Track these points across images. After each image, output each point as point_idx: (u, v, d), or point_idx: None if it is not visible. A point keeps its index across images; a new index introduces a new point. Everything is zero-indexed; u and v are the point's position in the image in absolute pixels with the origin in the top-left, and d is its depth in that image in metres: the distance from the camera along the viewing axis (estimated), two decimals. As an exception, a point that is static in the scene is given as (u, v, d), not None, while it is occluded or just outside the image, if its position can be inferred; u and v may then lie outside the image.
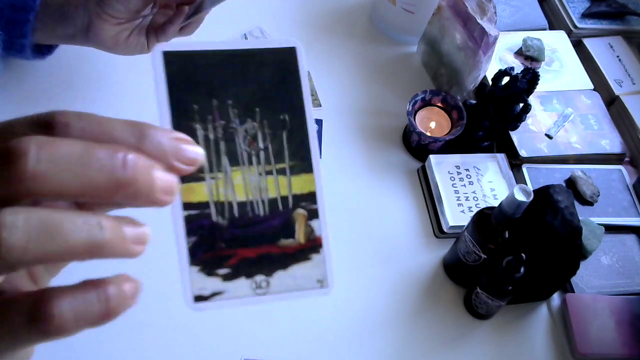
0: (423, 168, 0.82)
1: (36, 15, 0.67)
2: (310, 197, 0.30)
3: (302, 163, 0.31)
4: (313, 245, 0.30)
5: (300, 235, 0.30)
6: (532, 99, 0.82)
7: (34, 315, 0.24)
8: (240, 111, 0.30)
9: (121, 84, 0.83)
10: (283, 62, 0.31)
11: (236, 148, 0.30)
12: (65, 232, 0.23)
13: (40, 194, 0.23)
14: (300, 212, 0.30)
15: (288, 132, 0.31)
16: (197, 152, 0.27)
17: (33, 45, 0.71)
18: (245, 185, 0.30)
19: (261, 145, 0.30)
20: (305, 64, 0.31)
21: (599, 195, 0.81)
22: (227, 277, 0.29)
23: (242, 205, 0.30)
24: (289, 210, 0.30)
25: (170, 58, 0.29)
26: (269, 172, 0.30)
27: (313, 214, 0.30)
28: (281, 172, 0.30)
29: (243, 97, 0.30)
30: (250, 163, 0.30)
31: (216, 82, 0.30)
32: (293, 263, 0.30)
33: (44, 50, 0.74)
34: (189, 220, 0.29)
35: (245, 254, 0.29)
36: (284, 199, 0.30)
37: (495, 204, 0.67)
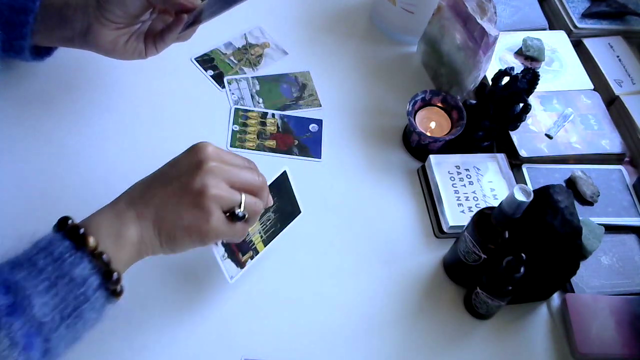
0: (423, 168, 0.82)
1: (35, 18, 0.67)
2: (258, 252, 0.67)
3: (267, 240, 0.67)
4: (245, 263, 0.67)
5: (245, 260, 0.66)
6: (532, 99, 0.82)
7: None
8: (273, 207, 0.67)
9: (120, 86, 0.83)
10: (290, 199, 0.69)
11: (263, 217, 0.66)
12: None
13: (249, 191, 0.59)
14: (249, 252, 0.66)
15: (277, 227, 0.68)
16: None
17: (32, 47, 0.71)
18: (252, 229, 0.64)
19: (267, 224, 0.67)
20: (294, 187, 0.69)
21: (599, 195, 0.81)
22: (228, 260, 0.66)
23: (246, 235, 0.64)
24: (251, 248, 0.66)
25: (283, 174, 0.67)
26: (259, 231, 0.66)
27: (255, 254, 0.67)
28: (262, 237, 0.67)
29: (277, 203, 0.67)
30: (260, 224, 0.66)
31: (280, 192, 0.67)
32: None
33: (42, 52, 0.74)
34: None
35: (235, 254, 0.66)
36: (254, 244, 0.66)
37: (495, 204, 0.67)
